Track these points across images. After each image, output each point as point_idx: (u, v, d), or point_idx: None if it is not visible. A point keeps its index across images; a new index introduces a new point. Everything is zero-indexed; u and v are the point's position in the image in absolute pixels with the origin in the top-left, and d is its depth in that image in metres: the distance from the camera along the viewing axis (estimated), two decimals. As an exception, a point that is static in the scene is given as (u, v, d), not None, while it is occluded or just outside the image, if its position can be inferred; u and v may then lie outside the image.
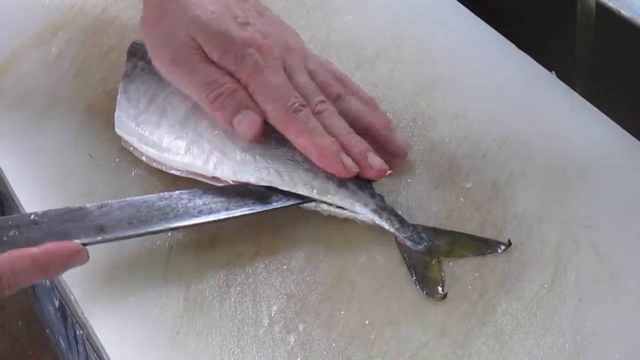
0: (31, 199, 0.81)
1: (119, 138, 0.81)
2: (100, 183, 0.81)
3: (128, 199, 0.73)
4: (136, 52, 0.82)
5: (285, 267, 0.74)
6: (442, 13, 0.94)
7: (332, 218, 0.75)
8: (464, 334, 0.68)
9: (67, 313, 0.82)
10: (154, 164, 0.79)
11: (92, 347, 0.75)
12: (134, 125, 0.79)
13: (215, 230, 0.75)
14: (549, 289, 0.70)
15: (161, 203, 0.74)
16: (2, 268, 0.63)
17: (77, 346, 0.82)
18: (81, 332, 0.77)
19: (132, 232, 0.72)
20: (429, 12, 0.93)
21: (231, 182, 0.76)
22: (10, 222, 0.69)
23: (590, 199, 0.76)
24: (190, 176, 0.77)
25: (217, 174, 0.76)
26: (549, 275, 0.71)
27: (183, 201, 0.74)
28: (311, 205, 0.75)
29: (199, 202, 0.74)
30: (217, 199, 0.74)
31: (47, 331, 1.04)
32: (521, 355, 0.67)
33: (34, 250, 0.66)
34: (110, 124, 0.83)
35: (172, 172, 0.78)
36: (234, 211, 0.74)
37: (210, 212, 0.74)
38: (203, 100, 0.76)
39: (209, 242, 0.75)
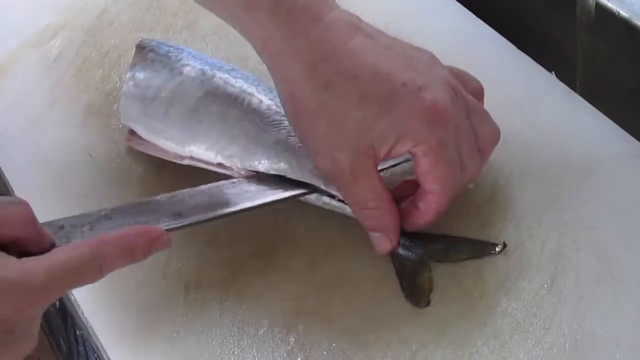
0: (31, 199, 0.81)
1: (119, 138, 0.82)
2: (100, 183, 0.81)
3: (196, 188, 0.74)
4: (145, 46, 0.82)
5: (285, 266, 0.74)
6: (442, 14, 0.94)
7: (332, 218, 0.75)
8: (464, 334, 0.68)
9: (67, 313, 0.82)
10: (160, 154, 0.79)
11: (92, 347, 0.75)
12: (141, 115, 0.79)
13: (215, 229, 0.75)
14: (549, 289, 0.70)
15: (233, 189, 0.74)
16: (93, 251, 0.62)
17: (77, 346, 0.82)
18: (81, 332, 0.77)
19: (210, 215, 0.72)
20: (428, 12, 0.93)
21: (236, 169, 0.76)
22: (81, 220, 0.69)
23: (590, 199, 0.76)
24: (196, 164, 0.77)
25: (226, 162, 0.76)
26: (549, 275, 0.71)
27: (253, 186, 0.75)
28: (313, 197, 0.75)
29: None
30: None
31: (47, 331, 1.04)
32: (521, 356, 0.67)
33: (119, 233, 0.65)
34: (110, 123, 0.84)
35: (177, 160, 0.78)
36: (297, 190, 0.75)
37: (285, 190, 0.75)
38: (356, 210, 0.72)
39: (208, 241, 0.75)
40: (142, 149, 0.80)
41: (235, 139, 0.76)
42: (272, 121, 0.76)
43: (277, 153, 0.75)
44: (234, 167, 0.76)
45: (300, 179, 0.75)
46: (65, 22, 0.95)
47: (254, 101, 0.77)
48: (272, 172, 0.75)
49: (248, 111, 0.77)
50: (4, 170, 0.83)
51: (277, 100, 0.77)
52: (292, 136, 0.75)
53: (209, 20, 0.93)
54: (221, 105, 0.77)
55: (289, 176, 0.75)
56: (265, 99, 0.78)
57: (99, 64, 0.91)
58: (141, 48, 0.82)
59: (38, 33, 0.95)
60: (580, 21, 0.91)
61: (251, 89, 0.78)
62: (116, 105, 0.84)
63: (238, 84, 0.79)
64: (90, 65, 0.91)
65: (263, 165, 0.75)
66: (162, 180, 0.79)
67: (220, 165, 0.77)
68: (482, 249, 0.73)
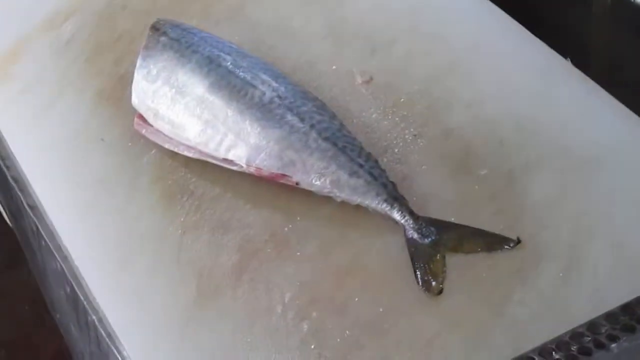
0: (43, 184, 0.81)
1: (131, 122, 0.81)
2: (113, 167, 0.80)
3: None
4: (160, 28, 0.82)
5: (298, 253, 0.73)
6: (457, 0, 0.93)
7: (346, 205, 0.74)
8: (479, 323, 0.68)
9: (78, 299, 0.82)
10: (167, 145, 0.79)
11: (103, 332, 0.75)
12: (150, 100, 0.79)
13: (229, 216, 0.75)
14: (565, 279, 0.70)
15: None
16: None
17: (88, 332, 0.82)
18: (93, 318, 0.76)
19: None
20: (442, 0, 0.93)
21: (244, 166, 0.75)
22: None
23: (606, 187, 0.75)
24: (202, 157, 0.77)
25: (230, 157, 0.76)
26: (565, 265, 0.70)
27: None
28: (324, 190, 0.74)
29: None
30: None
31: (58, 316, 1.04)
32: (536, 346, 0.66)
33: None
34: (122, 108, 0.83)
35: (184, 153, 0.78)
36: None
37: None
38: None
39: (222, 228, 0.75)
40: (151, 137, 0.80)
41: (239, 134, 0.76)
42: (275, 115, 0.76)
43: (280, 150, 0.75)
44: (240, 163, 0.76)
45: (305, 180, 0.74)
46: (77, 7, 0.95)
47: (257, 94, 0.77)
48: (277, 170, 0.75)
49: (251, 105, 0.76)
50: (16, 155, 0.83)
51: (282, 89, 0.77)
52: (294, 132, 0.75)
53: (223, 5, 0.93)
54: (224, 98, 0.77)
55: (294, 177, 0.75)
56: (269, 91, 0.77)
57: (111, 48, 0.90)
58: (155, 30, 0.82)
59: (50, 18, 0.94)
60: (596, 7, 0.91)
61: (255, 80, 0.78)
62: (128, 89, 0.84)
63: (242, 74, 0.78)
64: (102, 50, 0.90)
65: (267, 162, 0.75)
66: (175, 164, 0.79)
67: (225, 160, 0.77)
68: (496, 242, 0.72)
